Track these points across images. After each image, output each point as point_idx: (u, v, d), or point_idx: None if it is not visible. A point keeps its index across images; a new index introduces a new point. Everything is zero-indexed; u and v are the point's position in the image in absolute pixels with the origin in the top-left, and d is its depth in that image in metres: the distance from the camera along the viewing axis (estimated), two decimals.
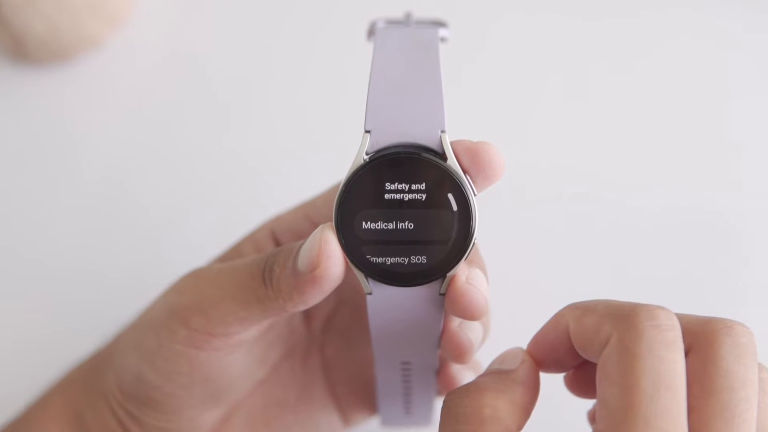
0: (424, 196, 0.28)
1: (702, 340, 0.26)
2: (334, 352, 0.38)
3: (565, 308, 0.29)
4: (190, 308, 0.31)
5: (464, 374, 0.35)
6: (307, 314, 0.38)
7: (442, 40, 0.31)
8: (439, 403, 0.36)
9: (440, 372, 0.35)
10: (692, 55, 0.54)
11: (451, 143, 0.28)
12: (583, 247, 0.48)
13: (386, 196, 0.28)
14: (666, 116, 0.52)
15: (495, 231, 0.37)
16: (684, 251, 0.48)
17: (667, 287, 0.47)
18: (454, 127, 0.29)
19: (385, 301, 0.29)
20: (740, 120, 0.52)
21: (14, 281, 0.49)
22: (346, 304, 0.38)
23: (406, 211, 0.28)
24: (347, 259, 0.28)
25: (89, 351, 0.39)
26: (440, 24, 0.33)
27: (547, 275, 0.47)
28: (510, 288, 0.42)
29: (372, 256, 0.28)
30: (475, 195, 0.28)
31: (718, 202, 0.49)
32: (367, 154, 0.28)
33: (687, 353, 0.26)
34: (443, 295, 0.29)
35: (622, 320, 0.25)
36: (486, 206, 0.30)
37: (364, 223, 0.28)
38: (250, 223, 0.38)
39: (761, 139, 0.51)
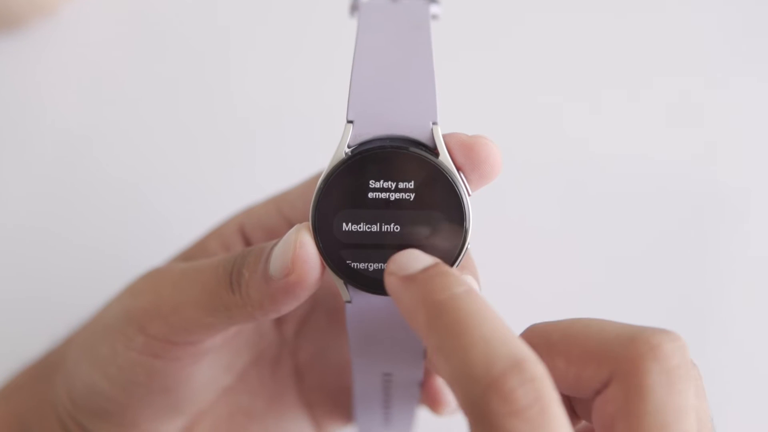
0: (412, 196, 0.25)
1: (625, 368, 0.23)
2: (307, 358, 0.36)
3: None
4: (147, 313, 0.29)
5: None
6: (279, 317, 0.35)
7: (434, 17, 0.29)
8: (420, 414, 0.34)
9: (425, 383, 0.33)
10: (691, 30, 0.53)
11: (444, 137, 0.26)
12: (580, 248, 0.47)
13: (370, 194, 0.25)
14: (663, 92, 0.51)
15: (486, 233, 0.34)
16: (682, 233, 0.47)
17: (667, 275, 0.46)
18: (445, 116, 0.26)
19: (367, 310, 0.27)
20: (744, 97, 0.52)
21: None
22: (321, 306, 0.36)
23: (392, 211, 0.26)
24: (325, 264, 0.26)
25: (36, 352, 0.37)
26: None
27: (541, 280, 0.46)
28: (503, 296, 0.40)
29: (353, 262, 0.26)
30: (469, 195, 0.26)
31: (720, 178, 0.49)
32: (348, 147, 0.26)
33: (608, 382, 0.23)
34: None
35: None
36: (478, 206, 0.27)
37: (344, 224, 0.26)
38: (214, 203, 0.36)
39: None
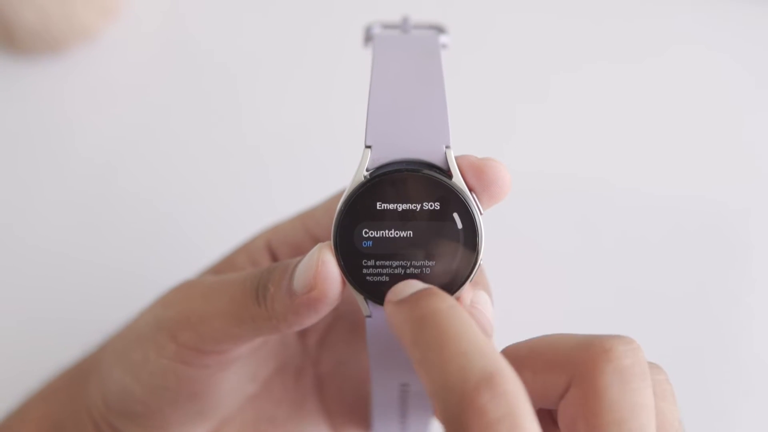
0: (428, 216, 0.27)
1: (582, 371, 0.24)
2: (328, 369, 0.37)
3: None
4: (178, 322, 0.30)
5: None
6: (302, 329, 0.36)
7: (443, 46, 0.30)
8: (436, 424, 0.36)
9: None
10: (694, 59, 0.54)
11: (456, 159, 0.27)
12: (591, 263, 0.47)
13: (388, 215, 0.27)
14: (668, 120, 0.52)
15: (497, 247, 0.35)
16: (691, 256, 0.48)
17: (674, 296, 0.47)
18: (454, 133, 0.27)
19: (385, 325, 0.28)
20: (745, 122, 0.52)
21: None
22: (343, 319, 0.37)
23: (410, 231, 0.27)
24: (346, 281, 0.27)
25: (68, 358, 0.39)
26: (440, 30, 0.31)
27: (553, 295, 0.46)
28: (515, 309, 0.41)
29: (372, 278, 0.27)
30: (481, 214, 0.27)
31: (725, 204, 0.49)
32: (367, 170, 0.27)
33: (568, 387, 0.25)
34: None
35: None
36: (487, 221, 0.28)
37: (364, 242, 0.27)
38: (245, 220, 0.37)
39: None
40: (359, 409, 0.37)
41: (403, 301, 0.25)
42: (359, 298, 0.27)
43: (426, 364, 0.23)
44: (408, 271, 0.27)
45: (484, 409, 0.21)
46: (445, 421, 0.22)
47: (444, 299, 0.24)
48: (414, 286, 0.26)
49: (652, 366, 0.25)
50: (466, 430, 0.21)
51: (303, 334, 0.37)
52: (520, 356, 0.25)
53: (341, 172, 0.28)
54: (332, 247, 0.27)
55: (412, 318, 0.24)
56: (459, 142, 0.28)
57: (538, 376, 0.25)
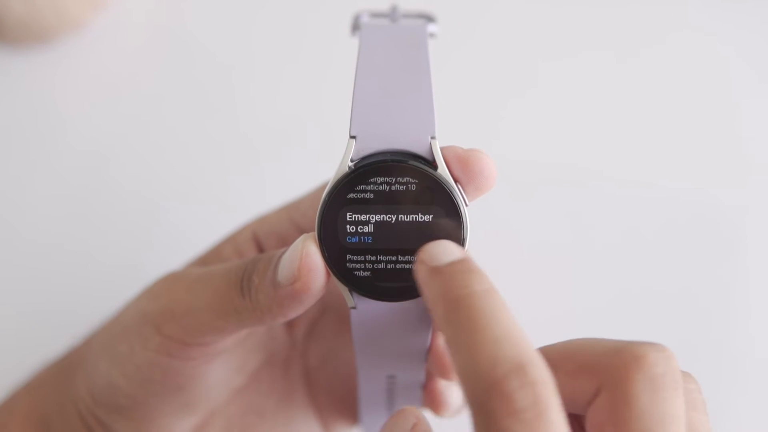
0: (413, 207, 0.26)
1: (612, 377, 0.23)
2: (316, 360, 0.37)
3: None
4: (163, 314, 0.30)
5: (451, 389, 0.34)
6: (290, 321, 0.36)
7: (431, 36, 0.30)
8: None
9: (426, 385, 0.34)
10: (692, 49, 0.54)
11: (441, 150, 0.27)
12: (582, 256, 0.47)
13: (372, 206, 0.26)
14: (664, 111, 0.52)
15: (486, 239, 0.35)
16: (684, 250, 0.48)
17: (667, 291, 0.46)
18: (441, 122, 0.27)
19: (370, 316, 0.28)
20: (743, 116, 0.52)
21: None
22: (330, 311, 0.37)
23: (394, 223, 0.26)
24: (330, 272, 0.27)
25: (58, 350, 0.38)
26: (428, 19, 0.31)
27: (542, 286, 0.46)
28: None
29: (356, 270, 0.27)
30: (466, 205, 0.27)
31: (719, 199, 0.49)
32: (352, 161, 0.27)
33: (597, 392, 0.24)
34: None
35: None
36: (476, 213, 0.28)
37: (348, 234, 0.27)
38: (238, 211, 0.37)
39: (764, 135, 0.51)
40: (348, 401, 0.37)
41: (437, 272, 0.24)
42: (344, 290, 0.27)
43: (456, 345, 0.23)
44: (392, 263, 0.26)
45: (512, 397, 0.21)
46: (472, 405, 0.22)
47: (480, 280, 0.23)
48: (448, 250, 0.25)
49: (685, 375, 0.25)
50: (491, 416, 0.21)
51: (290, 325, 0.37)
52: (551, 359, 0.25)
53: (334, 164, 0.27)
54: (316, 238, 0.27)
55: (446, 296, 0.23)
56: (447, 133, 0.28)
57: (568, 379, 0.25)
